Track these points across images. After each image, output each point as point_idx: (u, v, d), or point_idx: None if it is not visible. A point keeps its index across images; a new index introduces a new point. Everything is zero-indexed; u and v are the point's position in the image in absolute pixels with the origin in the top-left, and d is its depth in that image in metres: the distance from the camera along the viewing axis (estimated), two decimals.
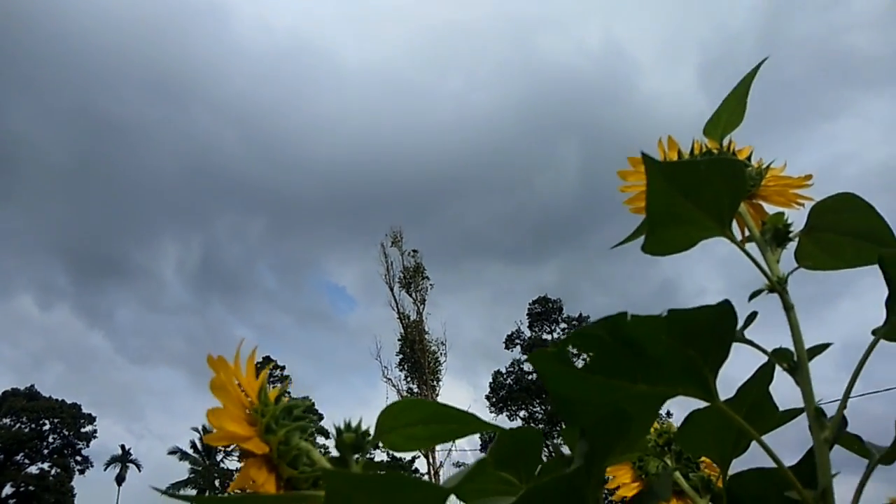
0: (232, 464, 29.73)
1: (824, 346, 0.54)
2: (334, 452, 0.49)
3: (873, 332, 0.51)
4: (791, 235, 0.58)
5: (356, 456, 0.49)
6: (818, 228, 0.59)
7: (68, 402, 31.98)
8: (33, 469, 28.98)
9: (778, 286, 0.53)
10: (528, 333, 28.31)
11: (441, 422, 0.51)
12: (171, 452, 30.57)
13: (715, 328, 0.44)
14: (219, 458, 30.62)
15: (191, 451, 30.63)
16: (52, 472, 29.30)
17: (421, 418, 0.50)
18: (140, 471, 34.31)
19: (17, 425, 29.52)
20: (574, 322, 27.75)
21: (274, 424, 0.47)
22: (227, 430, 0.44)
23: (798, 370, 0.52)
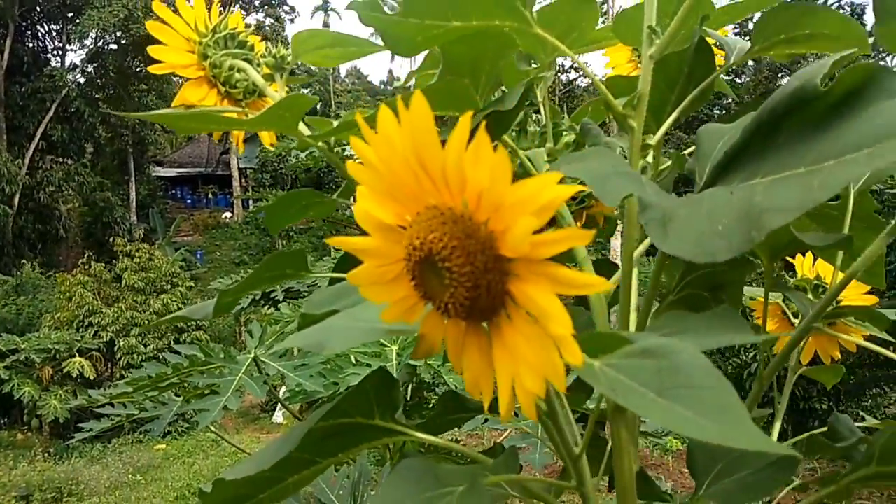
0: None
1: None
2: None
3: None
4: None
5: (280, 73, 0.64)
6: None
7: None
8: (250, 20, 32.11)
9: None
10: None
11: (343, 45, 0.63)
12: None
13: None
14: None
15: None
16: (267, 21, 32.34)
17: (326, 42, 0.63)
18: (341, 19, 36.81)
19: None
20: None
21: (209, 51, 0.62)
22: (168, 61, 0.60)
23: None
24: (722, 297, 0.72)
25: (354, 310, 0.39)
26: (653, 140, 0.59)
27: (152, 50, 0.60)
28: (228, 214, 24.34)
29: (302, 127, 0.62)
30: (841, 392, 8.17)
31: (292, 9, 34.47)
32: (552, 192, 0.25)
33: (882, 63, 0.39)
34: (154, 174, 24.55)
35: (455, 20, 0.52)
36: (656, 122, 0.64)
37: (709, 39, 0.62)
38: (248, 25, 0.70)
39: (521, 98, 0.61)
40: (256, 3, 32.75)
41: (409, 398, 1.94)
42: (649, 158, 0.66)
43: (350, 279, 0.33)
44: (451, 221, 0.28)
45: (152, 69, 0.60)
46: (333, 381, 1.52)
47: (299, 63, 0.65)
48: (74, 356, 9.48)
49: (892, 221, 0.50)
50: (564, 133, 0.80)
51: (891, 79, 0.33)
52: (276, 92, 0.64)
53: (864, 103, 0.33)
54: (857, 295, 0.80)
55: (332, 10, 36.14)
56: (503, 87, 0.78)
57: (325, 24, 35.39)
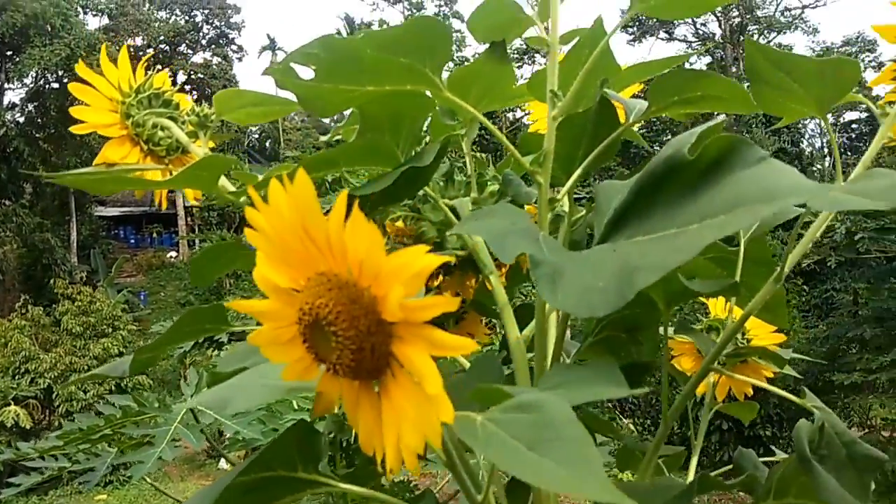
0: None
1: (575, 33, 0.60)
2: None
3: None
4: None
5: (204, 130, 0.66)
6: None
7: None
8: (197, 58, 31.91)
9: None
10: None
11: (266, 104, 0.66)
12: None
13: (421, 40, 0.52)
14: None
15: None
16: (214, 60, 32.18)
17: (249, 102, 0.65)
18: None
19: (173, 18, 31.74)
20: None
21: (132, 110, 0.64)
22: (90, 121, 0.61)
23: (549, 54, 0.60)
24: (639, 338, 0.75)
25: (261, 367, 0.41)
26: (560, 194, 0.63)
27: (74, 110, 0.61)
28: (174, 254, 23.85)
29: (225, 182, 0.64)
30: (784, 419, 8.41)
31: (240, 48, 34.43)
32: (422, 262, 0.28)
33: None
34: (96, 214, 23.98)
35: (369, 85, 0.55)
36: (567, 176, 0.68)
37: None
38: (196, 63, 0.71)
39: (438, 153, 0.64)
40: (204, 42, 32.63)
41: (353, 441, 1.92)
42: (566, 208, 0.70)
43: (250, 340, 0.35)
44: (337, 288, 0.30)
45: (75, 129, 0.61)
46: (273, 427, 1.50)
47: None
48: (10, 405, 9.07)
49: (778, 269, 0.54)
50: (489, 183, 0.84)
51: (748, 149, 0.37)
52: (200, 148, 0.65)
53: (725, 172, 0.37)
54: (765, 334, 0.85)
55: (279, 49, 36.18)
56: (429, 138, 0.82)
57: (273, 64, 35.28)
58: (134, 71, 0.66)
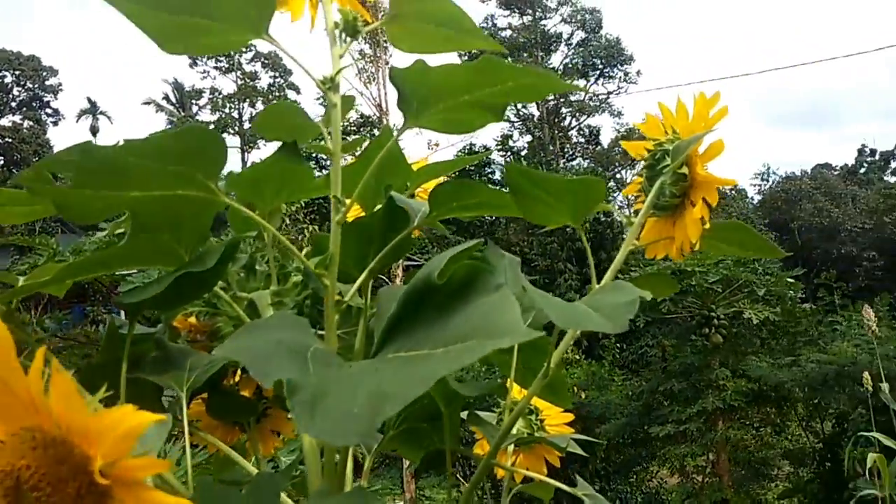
0: (206, 116, 30.05)
1: (359, 141, 0.62)
2: None
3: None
4: (365, 28, 0.61)
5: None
6: (403, 17, 0.62)
7: (25, 54, 31.09)
8: (5, 122, 29.25)
9: (322, 86, 0.59)
10: None
11: (27, 204, 0.61)
12: (146, 103, 30.74)
13: (192, 149, 0.51)
14: (194, 110, 30.95)
15: (165, 104, 30.83)
16: (25, 124, 29.65)
17: (7, 200, 0.60)
18: (112, 123, 34.65)
19: None
20: None
21: None
22: None
23: (331, 161, 0.61)
24: (440, 427, 0.76)
25: None
26: (348, 294, 0.63)
27: None
28: None
29: None
30: (610, 472, 8.87)
31: (55, 111, 32.11)
32: (130, 423, 0.26)
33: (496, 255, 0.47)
34: None
35: (134, 191, 0.52)
36: (360, 273, 0.68)
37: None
38: (4, 127, 0.64)
39: (223, 256, 0.62)
40: (14, 104, 30.06)
41: None
42: (359, 300, 0.70)
43: None
44: (42, 447, 0.28)
45: None
46: None
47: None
48: None
49: (545, 366, 0.57)
50: (292, 274, 0.82)
51: (488, 277, 0.39)
52: None
53: (468, 297, 0.39)
54: (556, 414, 0.89)
55: (101, 113, 34.06)
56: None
57: (94, 129, 33.13)
58: None
